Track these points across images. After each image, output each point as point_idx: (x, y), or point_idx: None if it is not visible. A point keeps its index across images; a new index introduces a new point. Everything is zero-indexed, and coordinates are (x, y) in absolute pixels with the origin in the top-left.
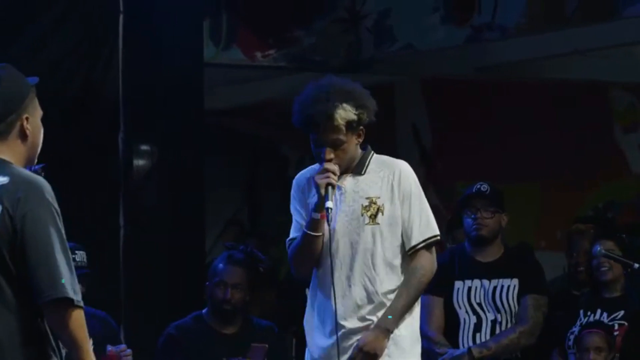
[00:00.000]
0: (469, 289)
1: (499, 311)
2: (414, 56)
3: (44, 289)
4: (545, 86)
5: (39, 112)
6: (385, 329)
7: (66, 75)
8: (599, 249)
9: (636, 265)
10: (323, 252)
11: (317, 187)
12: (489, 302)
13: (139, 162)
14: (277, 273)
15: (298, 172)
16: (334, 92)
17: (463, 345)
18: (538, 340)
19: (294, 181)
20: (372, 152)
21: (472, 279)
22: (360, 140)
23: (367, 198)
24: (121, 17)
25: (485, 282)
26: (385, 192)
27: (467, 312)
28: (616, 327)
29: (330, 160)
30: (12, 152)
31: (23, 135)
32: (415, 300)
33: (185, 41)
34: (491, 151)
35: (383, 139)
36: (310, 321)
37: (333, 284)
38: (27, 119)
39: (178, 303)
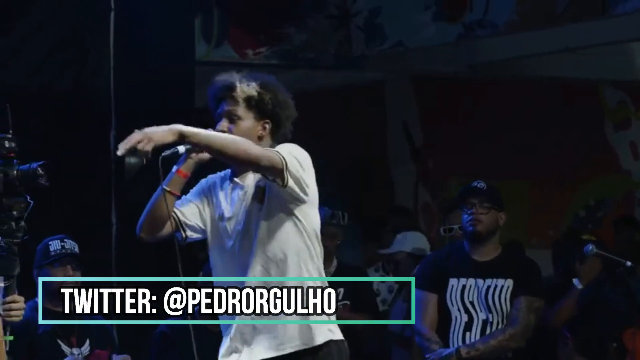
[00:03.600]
0: (463, 287)
1: (490, 311)
2: (405, 54)
3: None
4: (536, 84)
5: None
6: (177, 128)
7: (56, 72)
8: (590, 248)
9: (628, 263)
10: (229, 255)
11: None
12: (482, 301)
13: (131, 160)
14: None
15: None
16: (244, 74)
17: (453, 343)
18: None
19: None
20: None
21: (466, 277)
22: (263, 132)
23: (256, 186)
24: (112, 14)
25: (480, 281)
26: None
27: (459, 310)
28: None
29: (221, 131)
30: None
31: None
32: (242, 151)
33: (177, 39)
34: (482, 148)
35: (374, 136)
36: None
37: None
38: None
39: None
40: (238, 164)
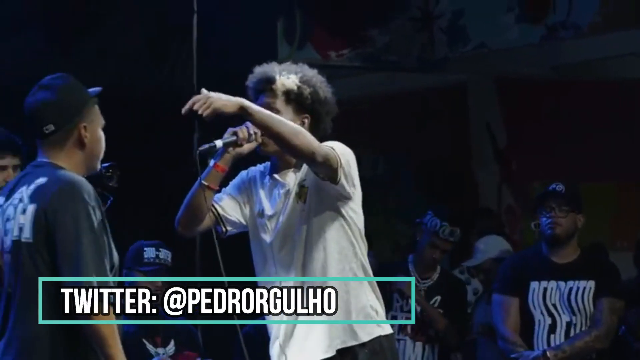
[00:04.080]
0: (545, 289)
1: (574, 313)
2: (488, 55)
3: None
4: (620, 85)
5: (99, 122)
6: (241, 101)
7: (139, 75)
8: None
9: None
10: (268, 255)
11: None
12: (564, 303)
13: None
14: None
15: (370, 173)
16: (285, 66)
17: (537, 346)
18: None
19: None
20: None
21: (547, 280)
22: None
23: (298, 184)
24: (195, 16)
25: (561, 283)
26: (308, 172)
27: (542, 313)
28: None
29: None
30: (68, 160)
31: (81, 144)
32: (290, 129)
33: (259, 41)
34: (566, 150)
35: (457, 138)
36: None
37: None
38: (84, 127)
39: None
40: (293, 153)
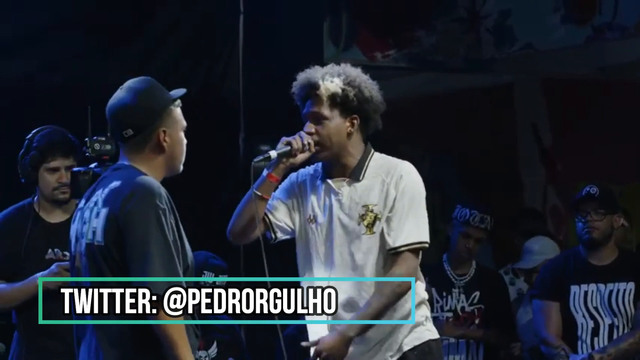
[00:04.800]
0: (585, 293)
1: (615, 315)
2: (534, 56)
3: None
4: None
5: (180, 124)
6: (347, 336)
7: (185, 75)
8: None
9: None
10: (316, 260)
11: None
12: (606, 306)
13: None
14: None
15: (419, 172)
16: (328, 69)
17: (582, 349)
18: None
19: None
20: (373, 151)
21: (587, 283)
22: (352, 129)
23: (365, 206)
24: (241, 17)
25: (601, 286)
26: (381, 200)
27: (584, 316)
28: None
29: (309, 134)
30: (148, 163)
31: (160, 148)
32: (386, 310)
33: (305, 41)
34: (612, 151)
35: (503, 138)
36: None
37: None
38: (164, 132)
39: None
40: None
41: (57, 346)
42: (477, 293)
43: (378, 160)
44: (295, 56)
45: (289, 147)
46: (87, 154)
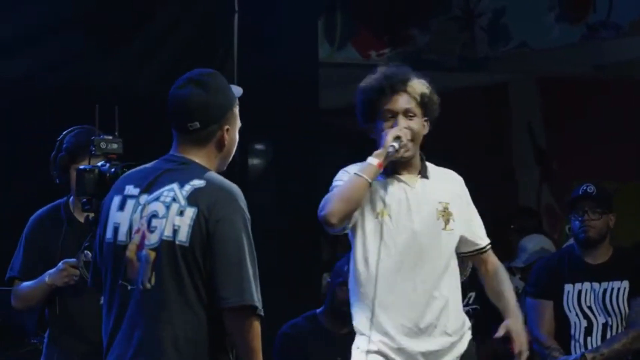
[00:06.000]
0: (579, 292)
1: (609, 314)
2: (529, 55)
3: (230, 294)
4: None
5: (238, 124)
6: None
7: (182, 75)
8: None
9: None
10: (385, 249)
11: (385, 135)
12: (599, 305)
13: (254, 162)
14: None
15: None
16: (407, 70)
17: (574, 349)
18: None
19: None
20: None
21: (582, 281)
22: (423, 133)
23: (440, 203)
24: (236, 16)
25: (595, 284)
26: (453, 200)
27: (577, 315)
28: None
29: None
30: (207, 159)
31: (220, 145)
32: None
33: (300, 40)
34: (607, 150)
35: (498, 137)
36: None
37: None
38: (227, 130)
39: (293, 302)
40: None
41: (80, 346)
42: (473, 294)
43: (431, 165)
44: (290, 55)
45: (398, 140)
46: (92, 152)
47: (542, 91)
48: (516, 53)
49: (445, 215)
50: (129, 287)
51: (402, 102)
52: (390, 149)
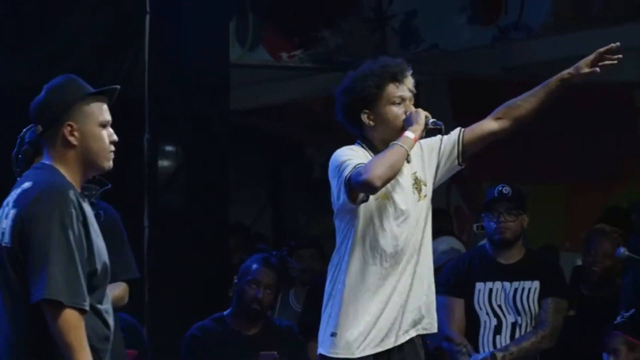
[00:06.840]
0: (490, 290)
1: (519, 314)
2: (441, 56)
3: (35, 289)
4: (571, 87)
5: (95, 119)
6: None
7: (92, 75)
8: (622, 250)
9: None
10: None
11: (415, 115)
12: (510, 304)
13: (164, 163)
14: None
15: (322, 174)
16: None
17: (483, 347)
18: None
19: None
20: None
21: (493, 280)
22: None
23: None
24: (147, 17)
25: (507, 284)
26: (416, 163)
27: (487, 314)
28: None
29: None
30: (62, 161)
31: (68, 143)
32: None
33: (211, 42)
34: (517, 152)
35: None
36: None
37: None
38: (70, 126)
39: (201, 304)
40: None
41: None
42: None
43: None
44: (202, 57)
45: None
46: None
47: (453, 93)
48: (428, 55)
49: (419, 185)
50: None
51: (405, 89)
52: (432, 122)
